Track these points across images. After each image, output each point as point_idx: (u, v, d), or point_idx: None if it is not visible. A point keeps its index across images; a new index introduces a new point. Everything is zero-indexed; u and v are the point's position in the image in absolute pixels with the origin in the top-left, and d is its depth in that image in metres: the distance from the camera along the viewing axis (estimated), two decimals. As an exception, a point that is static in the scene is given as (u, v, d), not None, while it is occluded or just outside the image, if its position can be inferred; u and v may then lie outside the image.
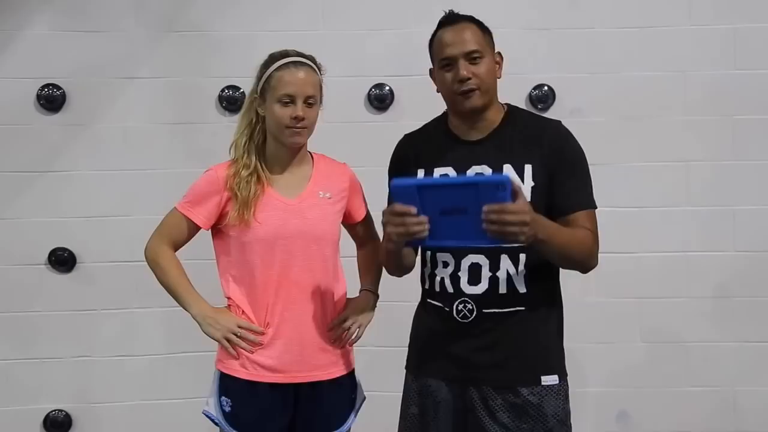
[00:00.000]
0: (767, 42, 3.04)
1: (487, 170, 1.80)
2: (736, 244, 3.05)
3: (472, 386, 1.81)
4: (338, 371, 2.03)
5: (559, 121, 1.89)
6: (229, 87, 3.02)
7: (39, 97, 2.97)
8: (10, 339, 2.99)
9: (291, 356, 1.96)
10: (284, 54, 2.02)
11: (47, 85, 2.97)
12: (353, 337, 2.08)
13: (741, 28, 3.05)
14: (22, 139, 2.98)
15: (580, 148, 1.86)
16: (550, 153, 1.79)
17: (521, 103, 3.08)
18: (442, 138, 1.91)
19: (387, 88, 3.06)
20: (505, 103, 1.92)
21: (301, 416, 2.01)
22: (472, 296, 1.80)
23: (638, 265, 3.04)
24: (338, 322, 2.04)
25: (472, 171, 1.81)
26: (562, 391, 1.81)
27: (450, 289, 1.83)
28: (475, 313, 1.79)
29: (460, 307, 1.81)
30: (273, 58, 2.02)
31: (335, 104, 3.04)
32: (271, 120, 1.99)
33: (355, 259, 2.24)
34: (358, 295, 2.15)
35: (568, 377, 1.85)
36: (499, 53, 1.89)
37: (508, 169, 1.79)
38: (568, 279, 3.11)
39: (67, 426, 3.01)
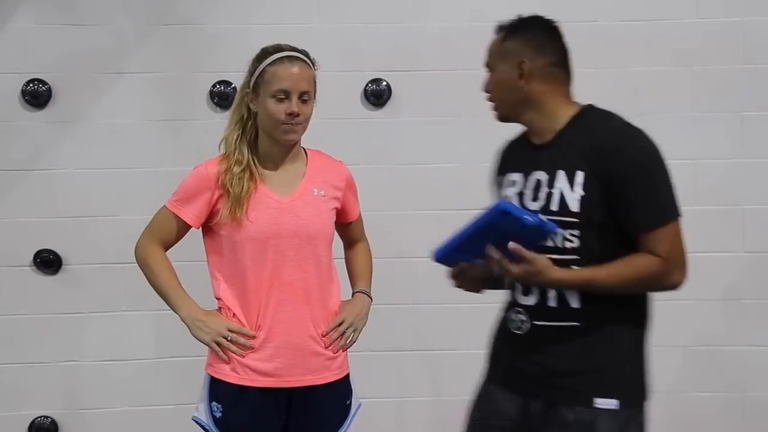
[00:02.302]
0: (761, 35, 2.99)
1: (543, 176, 1.73)
2: (746, 245, 3.00)
3: (530, 398, 1.74)
4: (332, 376, 1.98)
5: (626, 126, 1.73)
6: (220, 82, 2.96)
7: (24, 92, 2.92)
8: (-7, 343, 2.95)
9: (283, 360, 1.91)
10: (277, 48, 1.97)
11: (32, 80, 2.91)
12: (348, 341, 2.01)
13: (749, 21, 3.01)
14: (6, 136, 2.93)
15: (644, 155, 1.68)
16: (604, 163, 1.66)
17: (524, 98, 3.03)
18: (522, 142, 1.89)
19: (384, 83, 3.01)
20: (586, 104, 1.81)
21: (294, 422, 1.96)
22: (525, 307, 1.75)
23: None
24: (334, 325, 1.98)
25: (533, 176, 1.76)
26: (621, 417, 1.67)
27: (510, 298, 1.81)
28: (529, 324, 1.74)
29: (514, 317, 1.77)
30: (266, 52, 1.97)
31: (331, 100, 3.01)
32: (264, 116, 1.94)
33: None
34: (351, 297, 2.07)
35: (643, 403, 1.71)
36: (522, 60, 1.77)
37: (560, 176, 1.70)
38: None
39: (53, 433, 2.96)
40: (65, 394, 2.96)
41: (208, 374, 1.96)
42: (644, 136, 1.71)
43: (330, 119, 2.96)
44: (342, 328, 1.98)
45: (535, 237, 1.61)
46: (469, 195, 2.98)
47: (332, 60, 2.98)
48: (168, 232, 1.98)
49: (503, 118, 1.83)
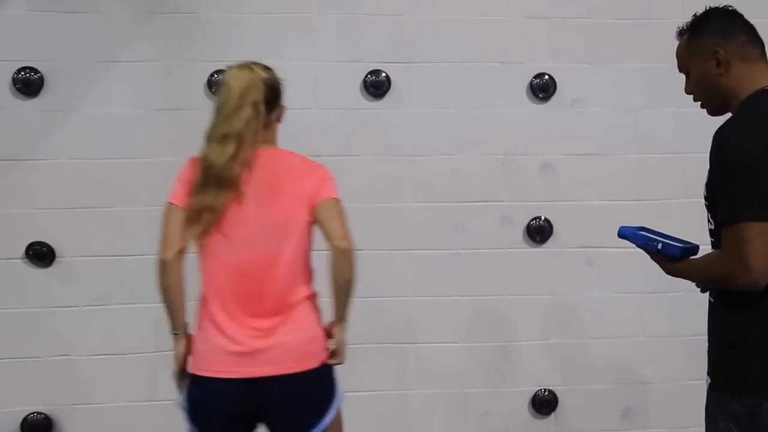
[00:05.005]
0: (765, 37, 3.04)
1: None
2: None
3: None
4: None
5: (728, 122, 1.75)
6: (218, 72, 2.92)
7: (15, 80, 2.87)
8: (-15, 338, 2.88)
9: None
10: None
11: (24, 68, 2.87)
12: None
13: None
14: (-3, 125, 2.87)
15: (722, 154, 1.70)
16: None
17: (522, 91, 3.07)
18: None
19: (383, 74, 3.01)
20: (752, 94, 1.78)
21: None
22: None
23: (638, 259, 2.99)
24: None
25: None
26: (711, 394, 1.78)
27: None
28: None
29: None
30: None
31: (330, 91, 3.02)
32: None
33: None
34: None
35: (728, 387, 1.73)
36: (716, 50, 1.79)
37: None
38: (570, 275, 3.11)
39: (46, 429, 2.88)
40: (59, 390, 2.89)
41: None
42: (729, 130, 1.71)
43: (329, 110, 2.98)
44: None
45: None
46: (467, 186, 3.04)
47: (331, 51, 2.99)
48: None
49: (714, 113, 1.88)
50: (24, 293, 2.88)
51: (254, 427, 2.06)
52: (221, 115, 1.98)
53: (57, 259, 2.89)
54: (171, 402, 2.89)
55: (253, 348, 1.94)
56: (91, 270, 2.90)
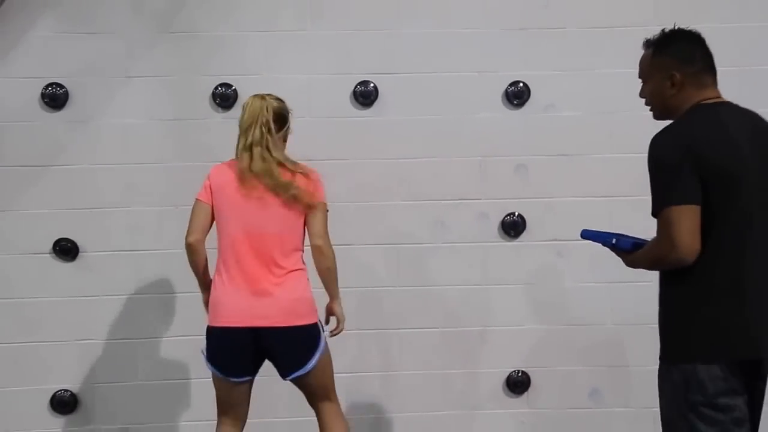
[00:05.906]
0: (728, 41, 3.13)
1: None
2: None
3: None
4: None
5: (655, 134, 1.97)
6: (221, 84, 3.15)
7: (43, 95, 3.10)
8: (17, 324, 3.12)
9: None
10: None
11: (51, 84, 3.10)
12: None
13: (703, 28, 3.18)
14: (28, 135, 3.11)
15: (651, 154, 1.97)
16: None
17: (498, 98, 3.22)
18: None
19: (371, 85, 3.20)
20: (698, 105, 1.97)
21: None
22: None
23: (606, 251, 3.16)
24: None
25: None
26: (661, 369, 1.97)
27: None
28: None
29: None
30: None
31: (322, 100, 3.20)
32: None
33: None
34: None
35: (677, 361, 1.91)
36: (672, 73, 1.99)
37: None
38: (542, 266, 3.24)
39: (72, 405, 3.15)
40: (83, 370, 3.14)
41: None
42: (657, 137, 1.96)
43: (321, 118, 3.16)
44: None
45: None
46: (447, 186, 3.23)
47: (324, 64, 3.18)
48: None
49: (659, 118, 2.08)
50: (52, 284, 3.12)
51: (262, 360, 2.50)
52: (240, 132, 2.45)
53: (80, 254, 3.14)
54: (180, 381, 3.20)
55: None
56: (110, 264, 3.14)
